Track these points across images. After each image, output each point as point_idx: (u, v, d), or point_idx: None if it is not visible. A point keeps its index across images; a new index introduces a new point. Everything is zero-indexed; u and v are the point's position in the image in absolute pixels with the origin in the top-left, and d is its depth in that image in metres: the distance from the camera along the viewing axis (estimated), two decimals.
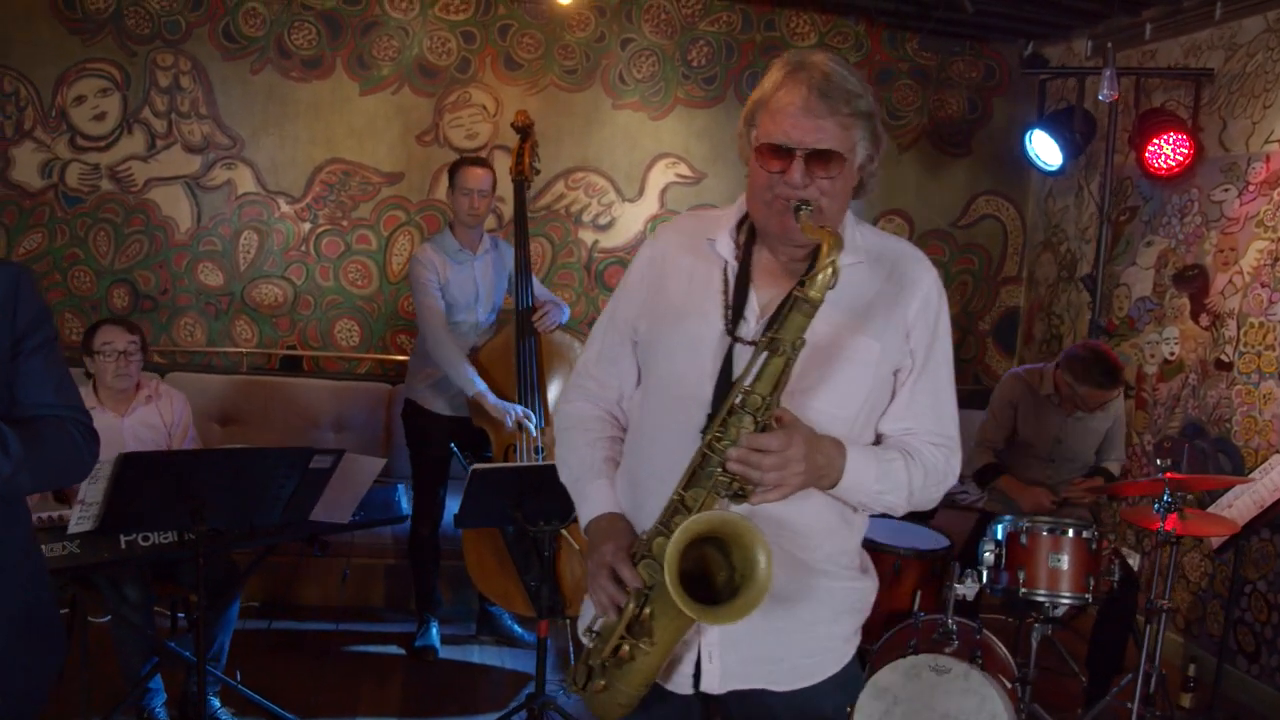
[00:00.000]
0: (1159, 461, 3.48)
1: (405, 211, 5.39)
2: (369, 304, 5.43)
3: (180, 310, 5.30)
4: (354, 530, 3.59)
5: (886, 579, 3.82)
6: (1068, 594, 3.45)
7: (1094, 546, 3.45)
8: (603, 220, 5.58)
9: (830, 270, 1.56)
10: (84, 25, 5.06)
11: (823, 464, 1.65)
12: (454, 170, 4.18)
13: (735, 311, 1.76)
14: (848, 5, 5.43)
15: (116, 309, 5.14)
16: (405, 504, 3.73)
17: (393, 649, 4.39)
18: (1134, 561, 4.07)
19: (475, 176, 4.13)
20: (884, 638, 3.58)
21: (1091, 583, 3.43)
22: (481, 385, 4.04)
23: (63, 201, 5.14)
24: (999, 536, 3.55)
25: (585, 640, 1.81)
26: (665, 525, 1.67)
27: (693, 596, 1.57)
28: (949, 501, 4.54)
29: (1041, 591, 3.46)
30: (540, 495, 3.24)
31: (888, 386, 1.80)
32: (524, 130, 4.28)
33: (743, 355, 1.71)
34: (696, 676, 1.80)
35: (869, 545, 3.77)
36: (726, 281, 1.78)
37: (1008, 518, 3.59)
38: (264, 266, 5.33)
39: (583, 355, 2.00)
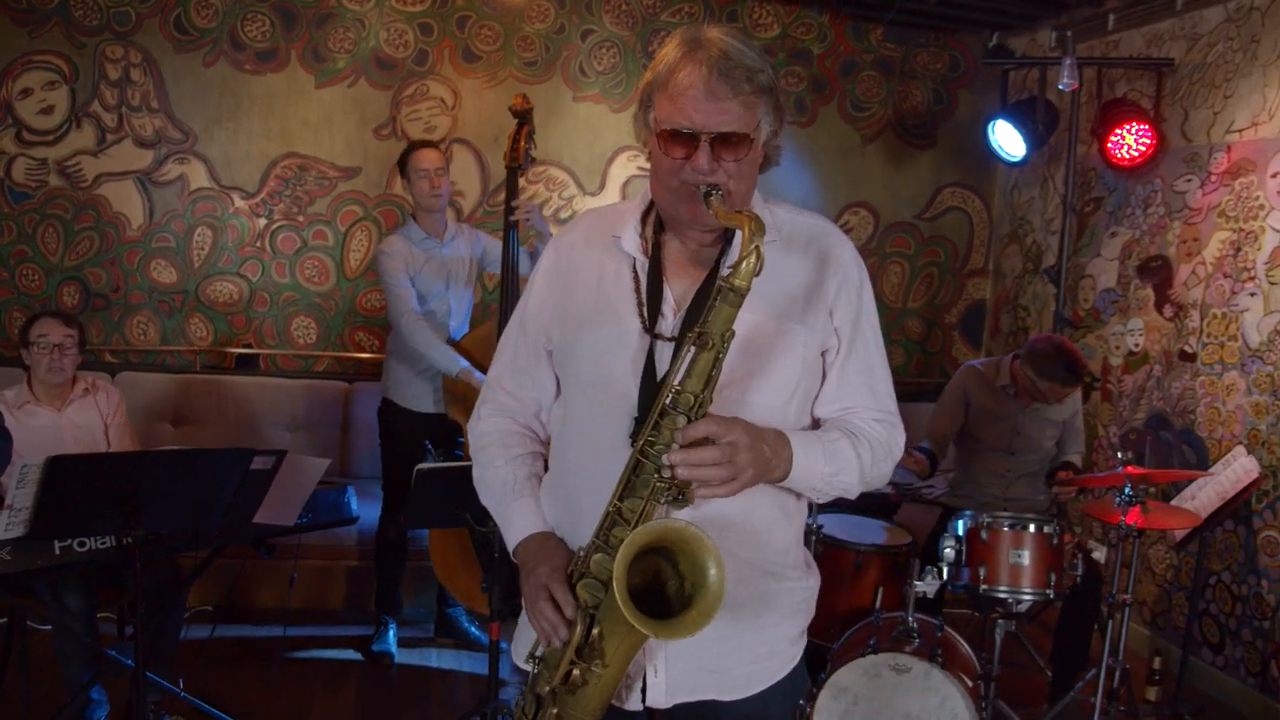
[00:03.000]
0: (1120, 455, 3.43)
1: (363, 206, 5.30)
2: (326, 301, 5.33)
3: (133, 309, 5.18)
4: (301, 533, 3.49)
5: (848, 576, 3.79)
6: (1029, 590, 3.41)
7: (1055, 541, 3.41)
8: (564, 214, 5.50)
9: (755, 257, 1.49)
10: (29, 17, 4.93)
11: (769, 455, 1.57)
12: (405, 158, 4.11)
13: (651, 308, 1.68)
14: None
15: (67, 308, 5.01)
16: (355, 506, 3.64)
17: (349, 654, 4.30)
18: (1100, 555, 4.04)
19: (427, 157, 4.07)
20: (844, 636, 3.53)
21: (1053, 578, 3.39)
22: (464, 362, 3.96)
23: (9, 197, 5.01)
24: (959, 532, 3.50)
25: (527, 667, 1.72)
26: (603, 540, 1.59)
27: (643, 611, 1.49)
28: (913, 496, 4.49)
29: (1003, 588, 3.42)
30: None
31: (817, 370, 1.73)
32: (522, 115, 4.13)
33: (664, 352, 1.64)
34: (644, 691, 1.72)
35: (830, 543, 3.78)
36: (637, 277, 1.71)
37: (968, 513, 3.55)
38: (218, 263, 5.22)
39: (492, 367, 1.90)
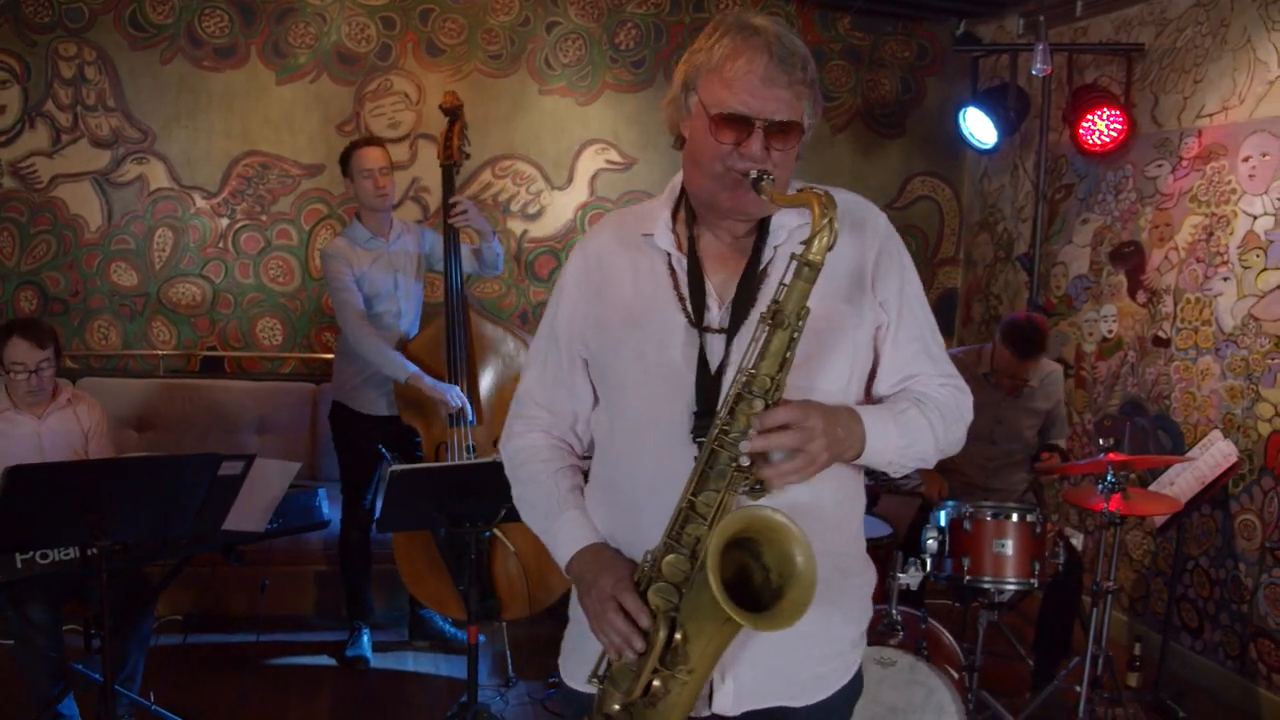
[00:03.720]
0: (1101, 441, 3.42)
1: (327, 204, 5.20)
2: (291, 301, 5.23)
3: (93, 313, 5.06)
4: (272, 539, 3.41)
5: None
6: (1013, 579, 3.39)
7: (1038, 531, 3.39)
8: (531, 209, 5.43)
9: (829, 231, 1.45)
10: None
11: (843, 435, 1.52)
12: (346, 157, 4.02)
13: (696, 301, 1.63)
14: None
15: (24, 314, 4.88)
16: (327, 509, 3.57)
17: (323, 659, 4.22)
18: (1077, 542, 4.03)
19: (371, 156, 3.98)
20: None
21: (1036, 567, 3.38)
22: (413, 368, 3.89)
23: None
24: (942, 523, 3.48)
25: (589, 689, 1.64)
26: (675, 540, 1.52)
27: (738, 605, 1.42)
28: (891, 487, 4.46)
29: (986, 578, 3.40)
30: (465, 496, 3.10)
31: (868, 348, 1.68)
32: (453, 112, 4.07)
33: (714, 344, 1.60)
34: (709, 698, 1.64)
35: None
36: (674, 273, 1.66)
37: (951, 504, 3.52)
38: (180, 265, 5.11)
39: (521, 383, 1.83)
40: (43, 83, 4.88)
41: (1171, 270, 4.38)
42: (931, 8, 5.44)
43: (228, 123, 5.06)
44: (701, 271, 1.66)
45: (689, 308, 1.64)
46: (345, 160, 4.03)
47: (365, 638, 4.24)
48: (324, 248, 4.08)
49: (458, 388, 3.89)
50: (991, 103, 4.89)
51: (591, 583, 1.61)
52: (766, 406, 1.47)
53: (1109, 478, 3.32)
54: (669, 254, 1.68)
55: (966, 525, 3.41)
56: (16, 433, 3.48)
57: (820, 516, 1.62)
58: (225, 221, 5.12)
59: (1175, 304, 4.35)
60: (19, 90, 4.87)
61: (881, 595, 3.53)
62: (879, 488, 4.40)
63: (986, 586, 3.40)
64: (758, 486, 1.48)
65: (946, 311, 5.92)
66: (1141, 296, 4.56)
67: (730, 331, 1.60)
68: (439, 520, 3.17)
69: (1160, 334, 4.44)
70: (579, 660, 1.71)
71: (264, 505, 3.24)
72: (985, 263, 5.72)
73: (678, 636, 1.50)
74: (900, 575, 3.31)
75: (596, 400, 1.77)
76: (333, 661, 4.19)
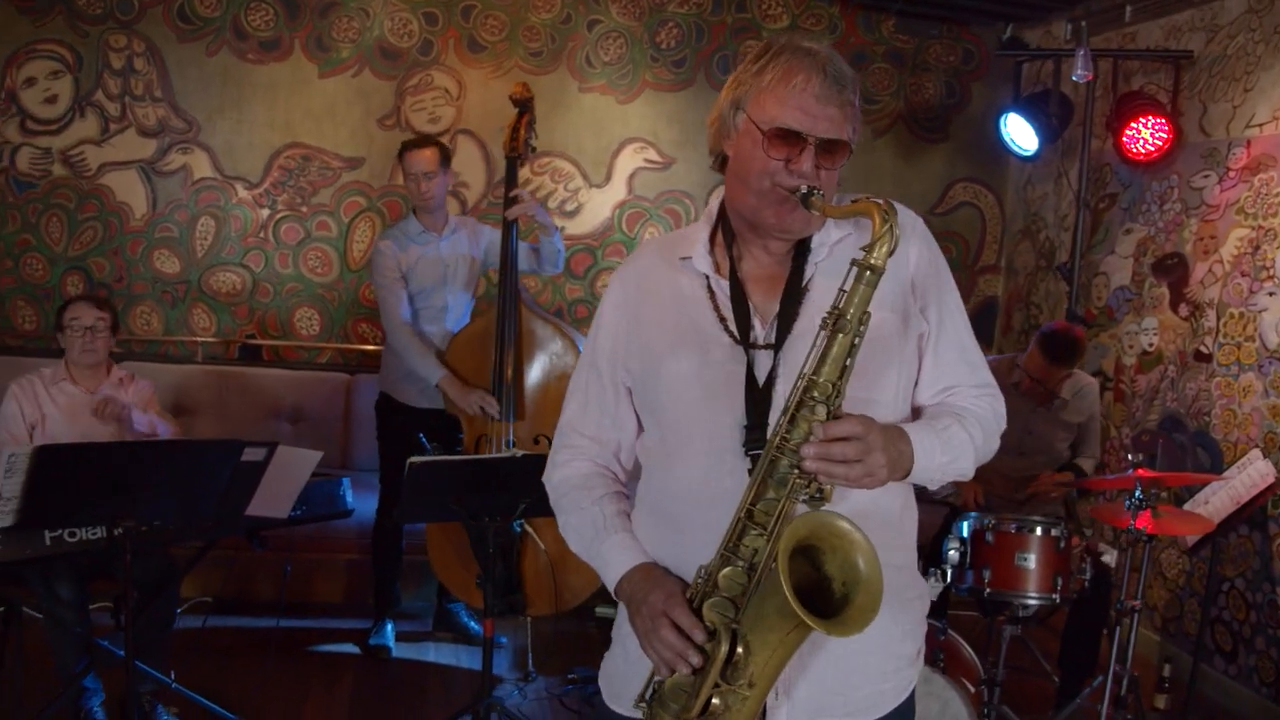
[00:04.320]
0: (1130, 457, 3.35)
1: (366, 197, 5.25)
2: (329, 292, 5.29)
3: (136, 299, 5.15)
4: (295, 526, 3.45)
5: None
6: (1035, 594, 3.33)
7: (1062, 545, 3.33)
8: (569, 206, 5.44)
9: (890, 237, 1.44)
10: (33, 5, 4.91)
11: (895, 455, 1.51)
12: (400, 155, 4.05)
13: (740, 320, 1.64)
14: None
15: (70, 298, 4.98)
16: (351, 498, 3.60)
17: (347, 647, 4.26)
18: (1110, 558, 3.95)
19: (417, 159, 3.99)
20: None
21: (1059, 582, 3.31)
22: (442, 373, 3.94)
23: (13, 187, 5.00)
24: (964, 534, 3.43)
25: (636, 714, 1.60)
26: (732, 552, 1.51)
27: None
28: (917, 494, 4.40)
29: (1008, 592, 3.33)
30: (483, 490, 3.11)
31: (914, 357, 1.69)
32: (523, 104, 4.06)
33: (762, 361, 1.60)
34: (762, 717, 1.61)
35: None
36: (714, 294, 1.66)
37: (973, 514, 3.47)
38: (221, 253, 5.19)
39: (564, 413, 1.83)
40: (93, 73, 4.98)
41: (1215, 284, 4.28)
42: (978, 11, 5.37)
43: (270, 115, 5.13)
44: (744, 291, 1.66)
45: (731, 327, 1.64)
46: (400, 157, 4.09)
47: (389, 627, 4.28)
48: (377, 242, 4.12)
49: (490, 397, 3.89)
50: (1033, 109, 4.82)
51: (642, 600, 1.58)
52: (829, 413, 1.46)
53: (1137, 494, 3.25)
54: (707, 276, 1.68)
55: (989, 537, 3.36)
56: (68, 403, 3.61)
57: (885, 523, 1.61)
58: (266, 212, 5.20)
59: (1218, 318, 4.26)
60: (71, 80, 4.98)
61: None
62: None
63: (1008, 600, 3.35)
64: (818, 494, 1.47)
65: (987, 320, 5.85)
66: (1184, 310, 4.46)
67: (777, 345, 1.60)
68: (457, 513, 3.18)
69: (1202, 349, 4.34)
70: (624, 684, 1.68)
71: (287, 492, 3.28)
72: (1026, 271, 5.64)
73: (739, 650, 1.47)
74: None
75: (640, 429, 1.77)
76: (356, 649, 4.24)
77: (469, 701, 3.47)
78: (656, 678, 1.56)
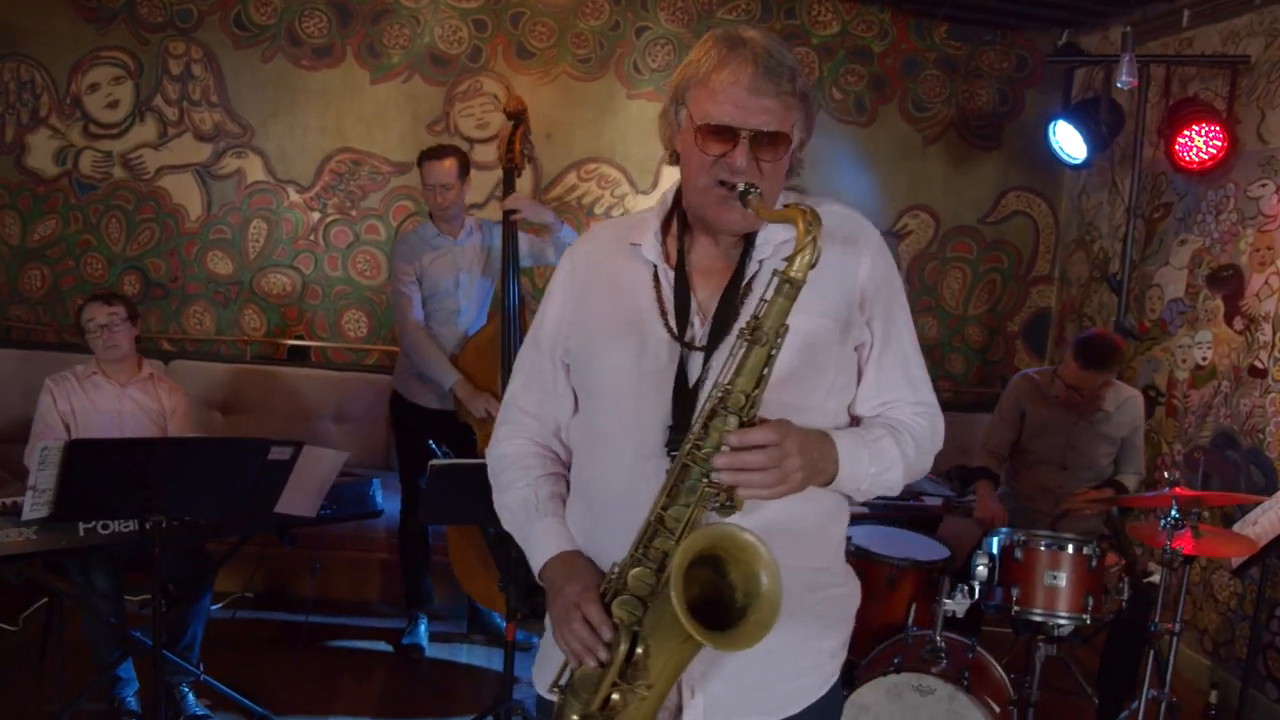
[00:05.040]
0: (1167, 475, 3.24)
1: (414, 201, 5.32)
2: (377, 295, 5.37)
3: (190, 298, 5.29)
4: (324, 524, 3.51)
5: (880, 591, 3.65)
6: (1064, 614, 3.23)
7: (1094, 564, 3.23)
8: (616, 212, 5.45)
9: (812, 249, 1.43)
10: (98, 14, 5.07)
11: (818, 459, 1.51)
12: (419, 163, 4.10)
13: (680, 316, 1.62)
14: None
15: (127, 296, 5.13)
16: (380, 499, 3.65)
17: (380, 645, 4.31)
18: (1159, 578, 3.83)
19: (434, 171, 4.03)
20: (872, 653, 3.40)
21: (1090, 602, 3.22)
22: (455, 377, 3.99)
23: (76, 188, 5.16)
24: (993, 550, 3.35)
25: (551, 697, 1.62)
26: (643, 553, 1.51)
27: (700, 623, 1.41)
28: (962, 510, 4.33)
29: (1037, 610, 3.25)
30: None
31: (852, 366, 1.67)
32: (516, 116, 4.10)
33: (695, 360, 1.59)
34: (678, 714, 1.63)
35: (861, 555, 3.65)
36: (659, 285, 1.65)
37: (1004, 530, 3.39)
38: (273, 255, 5.30)
39: (509, 386, 1.84)
40: (153, 79, 5.13)
41: (1271, 296, 4.13)
42: (1033, 17, 5.26)
43: (322, 120, 5.23)
44: (688, 285, 1.65)
45: (670, 321, 1.62)
46: (418, 166, 4.13)
47: (422, 627, 4.32)
48: (396, 239, 4.17)
49: (495, 401, 3.92)
50: (1082, 116, 4.70)
51: (558, 590, 1.60)
52: (741, 424, 1.45)
53: (1173, 513, 3.15)
54: (655, 265, 1.67)
55: (1018, 554, 3.27)
56: (100, 397, 3.70)
57: (798, 535, 1.61)
58: (316, 215, 5.29)
59: (1274, 332, 4.11)
60: (131, 86, 5.13)
61: (927, 620, 3.45)
62: (943, 509, 4.28)
63: (1037, 619, 3.26)
64: (728, 504, 1.46)
65: (1039, 332, 5.72)
66: (1239, 323, 4.31)
67: (709, 347, 1.58)
68: (479, 515, 3.19)
69: (1257, 363, 4.19)
70: (549, 668, 1.69)
71: (315, 491, 3.33)
72: (1080, 282, 5.50)
73: (639, 651, 1.49)
74: (946, 601, 3.21)
75: (577, 407, 1.76)
76: (389, 648, 4.29)
77: (491, 703, 3.48)
78: (570, 666, 1.57)
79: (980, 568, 3.29)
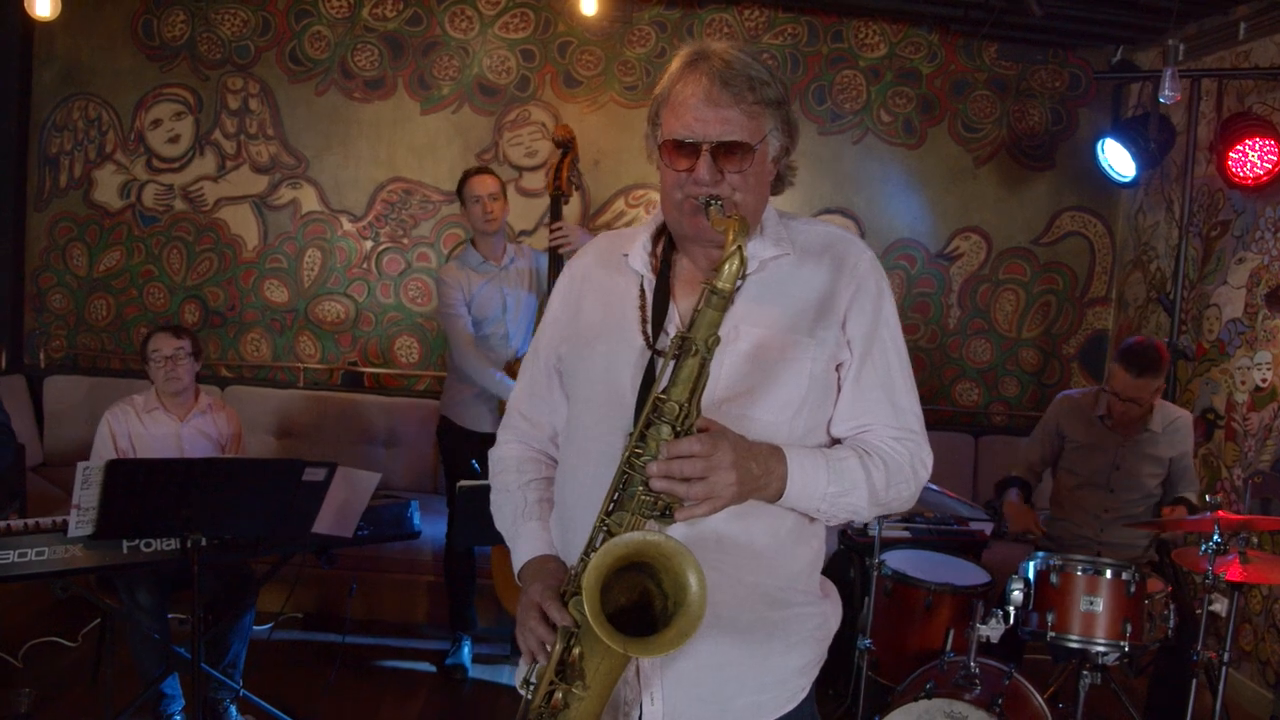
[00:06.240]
0: (1208, 499, 3.14)
1: (464, 230, 5.40)
2: (429, 321, 5.47)
3: (247, 326, 5.44)
4: (361, 545, 3.56)
5: (917, 615, 3.60)
6: (1102, 640, 3.15)
7: (1132, 590, 3.14)
8: None
9: (738, 259, 1.43)
10: (161, 52, 5.28)
11: (758, 472, 1.50)
12: (461, 186, 4.16)
13: (655, 324, 1.65)
14: (918, 14, 5.20)
15: (188, 325, 5.30)
16: (417, 521, 3.69)
17: (424, 666, 4.36)
18: (1220, 607, 3.71)
19: (481, 183, 4.11)
20: (908, 679, 3.35)
21: (1129, 629, 3.12)
22: (509, 385, 4.00)
23: (139, 220, 5.36)
24: (1029, 574, 3.27)
25: (523, 693, 1.67)
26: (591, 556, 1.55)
27: (628, 630, 1.43)
28: (1013, 535, 4.22)
29: (1073, 637, 3.17)
30: None
31: (830, 385, 1.66)
32: (565, 144, 4.18)
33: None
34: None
35: (898, 579, 3.59)
36: (644, 295, 1.68)
37: (1040, 554, 3.31)
38: (327, 283, 5.43)
39: (513, 394, 1.90)
40: (212, 114, 5.32)
41: None
42: (1088, 35, 5.17)
43: (375, 150, 5.36)
44: (669, 295, 1.67)
45: (647, 330, 1.65)
46: (460, 188, 4.20)
47: (466, 648, 4.35)
48: (439, 273, 4.24)
49: None
50: (1130, 133, 4.61)
51: (524, 590, 1.65)
52: (676, 433, 1.46)
53: (1215, 538, 3.04)
54: (641, 276, 1.70)
55: (1054, 578, 3.20)
56: (160, 431, 3.79)
57: (755, 552, 1.61)
58: (369, 244, 5.42)
59: None
60: (192, 121, 5.32)
61: (964, 646, 3.38)
62: (991, 533, 4.19)
63: (1074, 645, 3.17)
64: (666, 513, 1.47)
65: (1095, 354, 5.58)
66: None
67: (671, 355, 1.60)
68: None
69: None
70: (523, 667, 1.74)
71: (351, 511, 3.39)
72: (1137, 303, 5.37)
73: (575, 652, 1.52)
74: (980, 626, 3.14)
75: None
76: (433, 669, 4.32)
77: None
78: (536, 664, 1.61)
79: (1015, 592, 3.21)
